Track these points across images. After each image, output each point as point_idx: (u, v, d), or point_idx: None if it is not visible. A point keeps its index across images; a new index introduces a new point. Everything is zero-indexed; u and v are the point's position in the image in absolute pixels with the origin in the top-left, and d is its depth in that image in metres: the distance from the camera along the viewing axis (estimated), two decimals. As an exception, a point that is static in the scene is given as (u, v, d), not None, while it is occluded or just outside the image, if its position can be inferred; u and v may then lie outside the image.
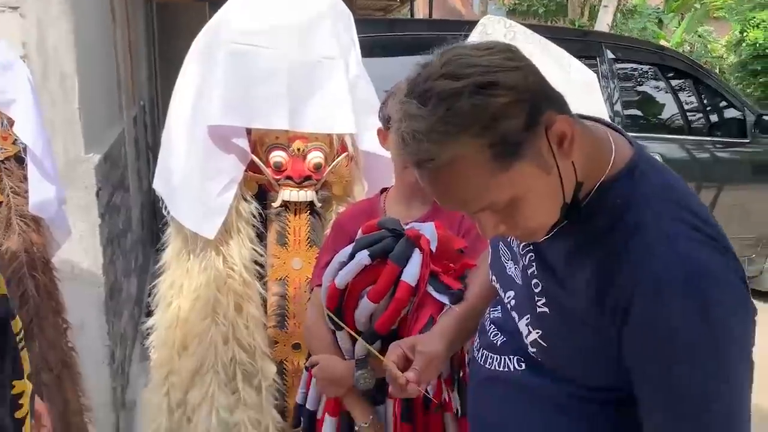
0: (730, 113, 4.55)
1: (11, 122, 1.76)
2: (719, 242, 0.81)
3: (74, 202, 2.44)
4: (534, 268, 0.93)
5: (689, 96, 4.55)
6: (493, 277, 1.06)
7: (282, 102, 1.93)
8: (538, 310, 0.91)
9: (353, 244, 1.46)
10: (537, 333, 0.91)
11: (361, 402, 1.46)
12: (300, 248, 2.06)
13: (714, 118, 4.63)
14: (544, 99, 0.85)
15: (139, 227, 4.35)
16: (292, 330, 2.07)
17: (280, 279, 2.06)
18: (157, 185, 2.04)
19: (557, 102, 0.87)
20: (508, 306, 0.99)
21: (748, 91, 8.26)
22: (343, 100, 2.01)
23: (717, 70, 10.26)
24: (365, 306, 1.38)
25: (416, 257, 1.35)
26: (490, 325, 1.05)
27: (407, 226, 1.45)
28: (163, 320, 2.09)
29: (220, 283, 1.97)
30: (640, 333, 0.79)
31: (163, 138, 2.06)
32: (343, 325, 1.39)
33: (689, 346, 0.77)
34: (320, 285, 1.52)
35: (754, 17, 7.86)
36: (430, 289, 1.34)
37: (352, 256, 1.41)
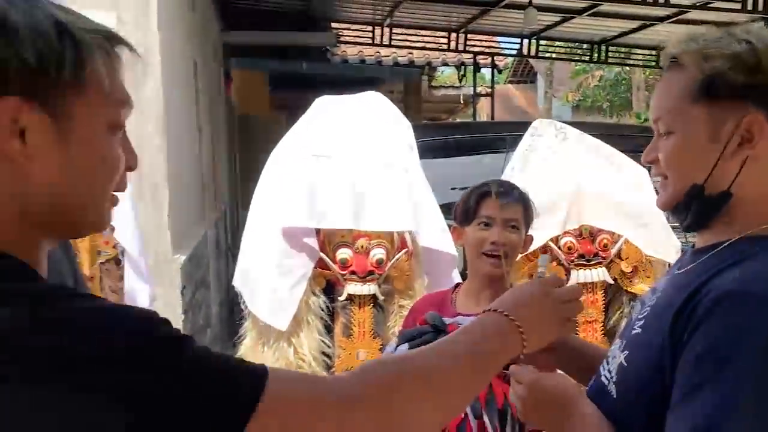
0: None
1: (112, 229, 2.02)
2: None
3: (162, 300, 2.68)
4: (643, 313, 0.97)
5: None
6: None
7: (347, 204, 2.14)
8: (633, 332, 0.96)
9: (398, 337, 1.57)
10: (624, 354, 0.95)
11: None
12: (364, 339, 2.20)
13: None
14: (764, 99, 0.88)
15: (218, 323, 4.60)
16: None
17: (347, 370, 2.19)
18: (236, 281, 2.25)
19: None
20: (608, 366, 1.01)
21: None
22: (402, 201, 2.20)
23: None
24: None
25: None
26: None
27: (452, 320, 1.53)
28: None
29: (290, 372, 2.11)
30: (690, 339, 0.82)
31: (243, 238, 2.29)
32: None
33: (716, 360, 0.80)
34: None
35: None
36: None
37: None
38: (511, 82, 17.61)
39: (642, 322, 0.95)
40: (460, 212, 1.67)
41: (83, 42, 0.63)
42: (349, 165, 2.18)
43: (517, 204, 1.64)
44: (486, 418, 1.40)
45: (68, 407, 0.57)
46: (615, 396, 0.95)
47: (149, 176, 2.75)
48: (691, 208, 0.93)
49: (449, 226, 1.86)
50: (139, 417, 0.58)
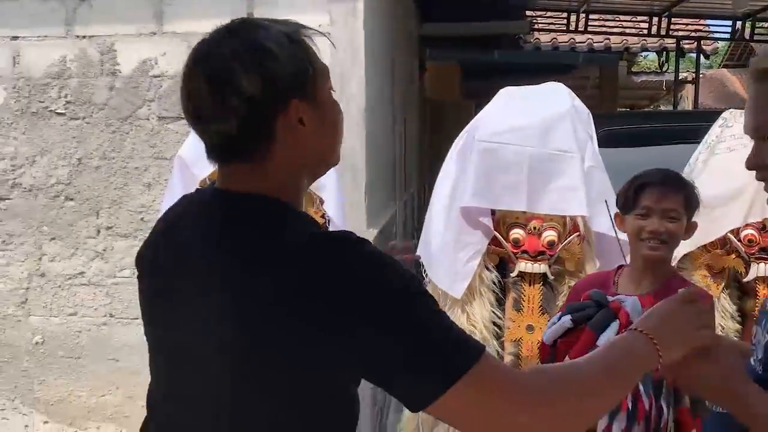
0: None
1: (322, 201, 2.40)
2: None
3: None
4: None
5: None
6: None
7: (522, 188, 2.31)
8: None
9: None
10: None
11: None
12: (533, 315, 2.37)
13: None
14: None
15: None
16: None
17: (515, 340, 2.38)
18: (419, 251, 2.54)
19: None
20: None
21: None
22: (577, 188, 2.32)
23: None
24: None
25: (614, 326, 1.53)
26: None
27: (613, 298, 1.65)
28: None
29: (463, 337, 2.35)
30: None
31: (426, 215, 2.56)
32: None
33: None
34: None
35: None
36: None
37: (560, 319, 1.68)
38: (726, 66, 16.07)
39: None
40: (621, 201, 1.78)
41: (309, 47, 0.93)
42: (526, 151, 2.35)
43: (677, 194, 1.70)
44: (641, 387, 1.51)
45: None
46: (761, 373, 1.08)
47: (350, 159, 3.12)
48: None
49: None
50: (379, 350, 0.80)
